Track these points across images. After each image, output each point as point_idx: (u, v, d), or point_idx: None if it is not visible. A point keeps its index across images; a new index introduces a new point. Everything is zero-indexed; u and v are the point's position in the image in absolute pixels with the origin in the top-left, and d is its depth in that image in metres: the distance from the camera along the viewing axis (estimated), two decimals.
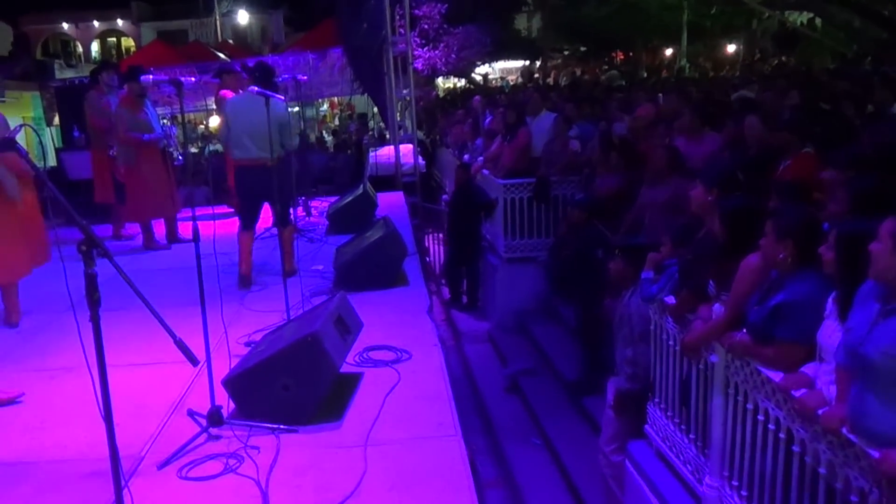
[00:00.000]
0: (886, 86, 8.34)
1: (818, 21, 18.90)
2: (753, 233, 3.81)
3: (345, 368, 4.58)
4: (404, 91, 14.70)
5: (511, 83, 31.88)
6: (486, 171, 10.64)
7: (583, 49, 36.10)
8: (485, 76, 35.98)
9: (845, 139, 5.46)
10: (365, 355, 5.06)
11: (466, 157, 12.28)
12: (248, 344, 5.20)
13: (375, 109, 19.45)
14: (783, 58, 19.90)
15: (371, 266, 6.65)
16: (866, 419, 2.87)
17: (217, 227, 6.91)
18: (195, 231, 4.19)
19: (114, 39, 55.53)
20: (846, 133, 5.77)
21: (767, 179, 5.64)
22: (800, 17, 21.00)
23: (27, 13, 46.81)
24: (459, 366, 9.19)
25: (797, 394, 3.24)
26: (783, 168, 5.73)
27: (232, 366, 4.39)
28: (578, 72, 30.25)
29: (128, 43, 53.72)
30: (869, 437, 2.85)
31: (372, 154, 15.07)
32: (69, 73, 33.46)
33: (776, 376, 3.44)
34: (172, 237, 8.86)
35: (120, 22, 53.62)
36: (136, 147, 8.41)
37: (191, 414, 4.25)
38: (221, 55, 20.06)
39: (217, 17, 48.00)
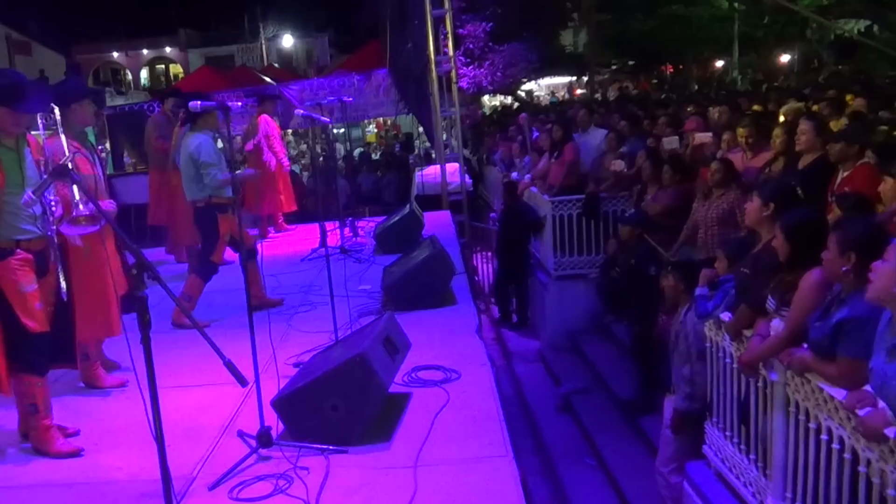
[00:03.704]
0: None
1: (876, 28, 18.55)
2: (816, 247, 3.74)
3: (393, 388, 4.59)
4: (450, 110, 14.79)
5: (558, 99, 31.88)
6: (534, 189, 10.63)
7: (631, 63, 35.92)
8: (530, 92, 36.01)
9: None
10: (413, 375, 5.06)
11: (514, 174, 12.28)
12: (296, 365, 5.25)
13: (421, 129, 19.59)
14: (839, 67, 19.55)
15: (419, 285, 6.67)
16: None
17: (263, 248, 7.03)
18: (240, 254, 4.25)
19: (162, 66, 56.99)
20: None
21: (823, 192, 5.56)
22: (856, 25, 20.63)
23: (78, 42, 48.29)
24: (510, 385, 9.14)
25: (862, 413, 3.16)
26: (842, 179, 5.63)
27: (281, 387, 4.43)
28: (628, 86, 30.10)
29: (176, 69, 55.06)
30: None
31: (418, 173, 15.18)
32: (119, 101, 34.42)
33: (839, 394, 3.35)
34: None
35: (168, 49, 55.03)
36: None
37: (241, 435, 4.30)
38: (267, 79, 20.42)
39: (263, 42, 49.06)
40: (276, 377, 4.81)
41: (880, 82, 12.18)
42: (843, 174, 5.62)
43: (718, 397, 4.70)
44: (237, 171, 7.15)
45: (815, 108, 8.92)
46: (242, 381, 3.12)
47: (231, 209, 6.62)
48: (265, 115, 9.93)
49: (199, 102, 4.80)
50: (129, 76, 55.26)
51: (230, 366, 3.08)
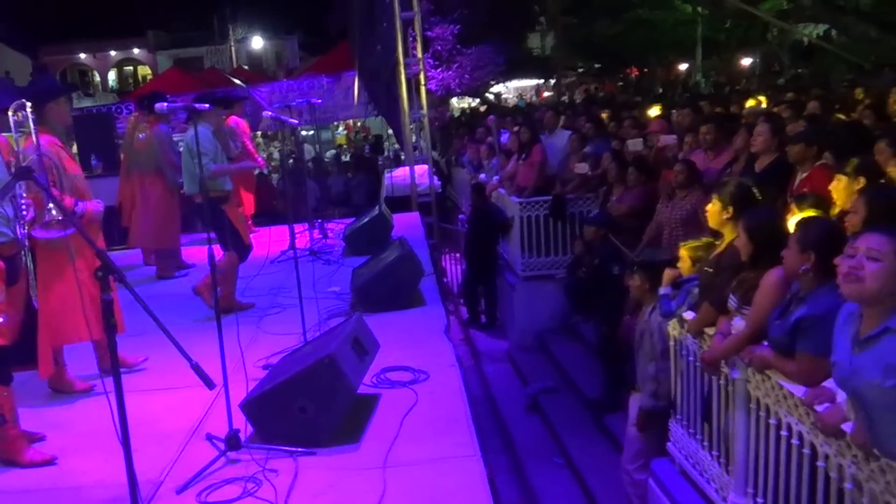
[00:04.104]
0: None
1: (834, 33, 18.85)
2: (777, 246, 3.79)
3: (362, 390, 4.57)
4: (419, 112, 14.78)
5: (526, 101, 31.99)
6: (502, 190, 10.65)
7: (597, 66, 36.16)
8: (498, 95, 36.10)
9: (863, 149, 5.43)
10: (382, 376, 5.04)
11: (482, 176, 12.30)
12: (265, 367, 5.21)
13: (390, 131, 19.56)
14: (799, 70, 19.85)
15: (388, 287, 6.65)
16: (879, 442, 2.85)
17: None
18: (211, 256, 4.23)
19: (130, 68, 56.31)
20: (864, 143, 5.73)
21: (782, 192, 5.63)
22: (815, 30, 20.96)
23: (46, 44, 47.57)
24: (479, 386, 9.16)
25: (820, 409, 3.20)
26: (800, 180, 5.71)
27: (249, 389, 4.39)
28: (595, 89, 30.29)
29: (144, 71, 54.44)
30: (889, 457, 2.82)
31: (387, 175, 15.14)
32: (87, 102, 33.95)
33: (799, 391, 3.40)
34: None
35: (136, 51, 54.40)
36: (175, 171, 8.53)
37: (209, 438, 4.26)
38: (237, 81, 20.28)
39: (232, 44, 48.66)
40: (245, 380, 4.77)
41: (837, 85, 12.37)
42: (801, 175, 5.70)
43: (682, 395, 4.74)
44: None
45: (775, 109, 9.03)
46: (210, 383, 3.09)
47: (230, 201, 6.81)
48: (235, 117, 9.84)
49: (165, 104, 4.76)
50: (98, 78, 54.54)
51: (197, 368, 3.05)
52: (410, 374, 5.09)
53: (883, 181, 4.71)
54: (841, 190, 4.68)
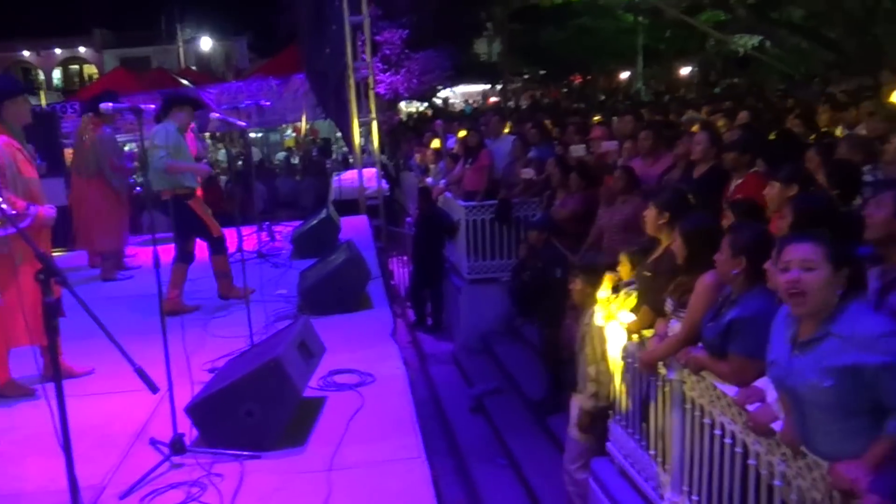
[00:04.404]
0: (833, 106, 8.55)
1: (768, 44, 19.33)
2: (712, 250, 3.87)
3: (308, 393, 4.55)
4: (368, 115, 14.73)
5: (472, 106, 32.14)
6: (448, 194, 10.68)
7: (542, 72, 36.48)
8: (446, 100, 36.20)
9: (794, 157, 5.58)
10: (328, 379, 5.02)
11: (429, 180, 12.31)
12: (211, 370, 5.14)
13: (339, 134, 19.45)
14: (735, 79, 20.30)
15: (335, 290, 6.62)
16: (808, 439, 2.93)
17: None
18: (156, 258, 4.16)
19: (76, 67, 54.99)
20: (795, 151, 5.89)
21: (718, 198, 5.76)
22: (751, 41, 21.47)
23: None
24: (425, 388, 9.16)
25: (751, 408, 3.28)
26: (735, 187, 5.84)
27: (195, 393, 4.33)
28: (540, 95, 30.57)
29: (90, 70, 53.22)
30: (816, 454, 2.90)
31: (336, 178, 15.06)
32: (31, 101, 33.02)
33: (731, 391, 3.48)
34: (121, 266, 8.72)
35: (82, 49, 53.16)
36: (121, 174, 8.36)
37: (153, 443, 4.19)
38: (184, 82, 19.96)
39: (180, 44, 47.83)
40: (191, 383, 4.70)
41: (771, 94, 12.69)
42: (736, 182, 5.83)
43: (621, 396, 4.81)
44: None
45: (712, 118, 9.22)
46: (153, 387, 3.05)
47: (195, 197, 6.86)
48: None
49: (110, 105, 4.68)
50: (42, 76, 53.14)
51: (141, 372, 3.00)
52: (357, 376, 5.07)
53: (813, 189, 4.86)
54: (774, 196, 4.80)
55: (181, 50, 48.05)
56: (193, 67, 39.71)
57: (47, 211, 4.89)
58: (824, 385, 2.77)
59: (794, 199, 4.21)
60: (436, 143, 13.33)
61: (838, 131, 7.83)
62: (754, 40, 20.91)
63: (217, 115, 6.96)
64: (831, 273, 2.80)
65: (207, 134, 19.46)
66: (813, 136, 7.29)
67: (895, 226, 3.35)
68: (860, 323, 2.77)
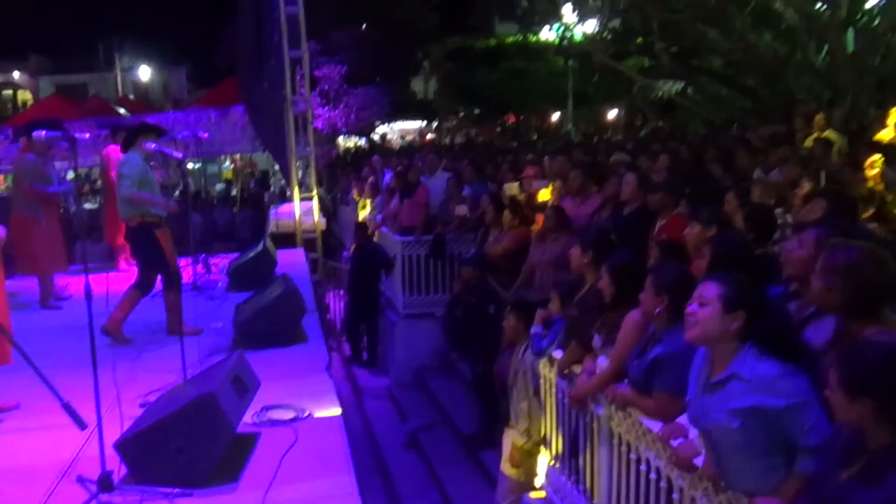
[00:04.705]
0: (750, 151, 8.85)
1: (690, 90, 19.97)
2: (637, 288, 3.95)
3: (242, 428, 4.45)
4: (306, 149, 14.67)
5: (409, 142, 32.32)
6: (384, 229, 10.68)
7: (477, 111, 36.98)
8: (383, 136, 36.34)
9: (713, 199, 5.76)
10: (262, 414, 4.92)
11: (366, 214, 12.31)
12: (143, 405, 4.99)
13: (277, 167, 19.31)
14: (660, 123, 20.89)
15: (270, 323, 6.52)
16: (726, 477, 3.00)
17: (110, 283, 6.70)
18: (87, 289, 4.04)
19: (10, 92, 53.33)
20: (714, 193, 6.09)
21: (644, 238, 5.90)
22: (674, 87, 22.17)
23: None
24: (360, 423, 9.05)
25: (674, 444, 3.34)
26: (660, 227, 5.99)
27: (125, 428, 4.20)
28: (473, 133, 30.96)
29: (25, 96, 51.63)
30: (736, 489, 2.97)
31: (273, 211, 14.90)
32: None
33: (656, 427, 3.54)
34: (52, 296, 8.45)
35: (17, 74, 51.60)
36: (42, 200, 8.10)
37: (80, 480, 4.03)
38: (122, 111, 19.60)
39: (118, 72, 46.88)
40: (120, 418, 4.56)
41: (693, 138, 13.10)
42: (661, 222, 5.99)
43: (552, 431, 4.84)
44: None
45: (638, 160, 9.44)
46: (81, 423, 2.95)
47: (164, 225, 6.82)
48: (116, 146, 9.52)
49: (43, 132, 4.57)
50: None
51: (68, 407, 2.91)
52: (291, 411, 4.98)
53: (730, 230, 5.02)
54: (693, 237, 4.95)
55: (119, 78, 47.11)
56: (131, 96, 39.00)
57: None
58: (733, 426, 2.84)
59: (712, 240, 4.34)
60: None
61: (755, 175, 8.11)
62: (678, 86, 21.58)
63: (154, 145, 6.86)
64: (720, 312, 2.92)
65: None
66: (731, 180, 7.54)
67: (812, 265, 3.47)
68: (758, 365, 2.86)
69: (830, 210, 4.58)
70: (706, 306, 2.94)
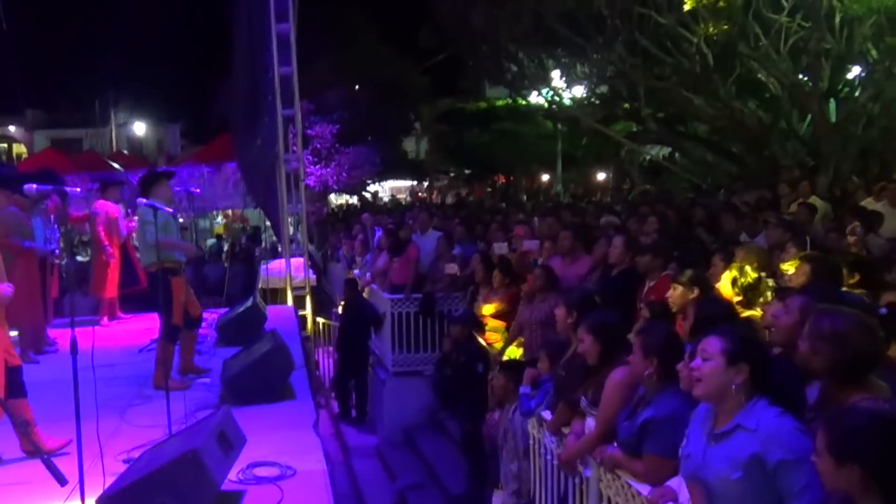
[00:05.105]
0: (736, 215, 8.94)
1: (677, 155, 20.25)
2: (619, 347, 3.95)
3: (227, 486, 4.36)
4: (297, 206, 14.73)
5: (401, 201, 32.53)
6: (374, 286, 10.67)
7: (467, 171, 37.34)
8: (374, 194, 36.56)
9: (701, 262, 5.80)
10: (248, 472, 4.83)
11: (356, 271, 12.30)
12: (126, 461, 4.89)
13: (269, 223, 19.36)
14: (647, 186, 21.10)
15: (258, 379, 6.45)
16: None
17: (97, 337, 6.63)
18: (73, 341, 4.00)
19: (5, 145, 53.50)
20: (701, 256, 6.13)
21: (633, 299, 5.92)
22: (661, 151, 22.48)
23: None
24: (347, 481, 8.89)
25: None
26: (648, 288, 6.02)
27: (107, 485, 4.10)
28: (464, 192, 31.22)
29: (20, 149, 51.80)
30: None
31: (264, 266, 14.88)
32: None
33: (645, 489, 3.49)
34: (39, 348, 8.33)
35: (12, 128, 51.85)
36: (18, 253, 8.03)
37: None
38: (115, 165, 19.66)
39: (113, 128, 47.17)
40: (103, 474, 4.46)
41: (681, 202, 13.22)
42: (649, 283, 6.01)
43: (541, 492, 4.77)
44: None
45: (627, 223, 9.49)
46: (61, 479, 2.89)
47: (182, 273, 6.81)
48: (104, 201, 9.53)
49: (34, 186, 4.57)
50: None
51: (48, 462, 2.85)
52: (277, 469, 4.90)
53: (713, 293, 5.05)
54: (676, 299, 4.97)
55: (114, 133, 47.37)
56: (125, 151, 39.15)
57: (4, 289, 4.70)
58: (733, 477, 2.83)
59: (696, 302, 4.36)
60: None
61: (741, 238, 8.18)
62: (665, 151, 21.90)
63: (145, 200, 6.87)
64: (723, 365, 2.93)
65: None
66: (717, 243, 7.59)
67: (798, 331, 3.48)
68: (763, 418, 2.86)
69: (815, 275, 4.63)
70: (709, 361, 2.96)
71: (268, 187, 14.75)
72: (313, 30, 21.38)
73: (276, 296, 12.33)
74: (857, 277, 5.15)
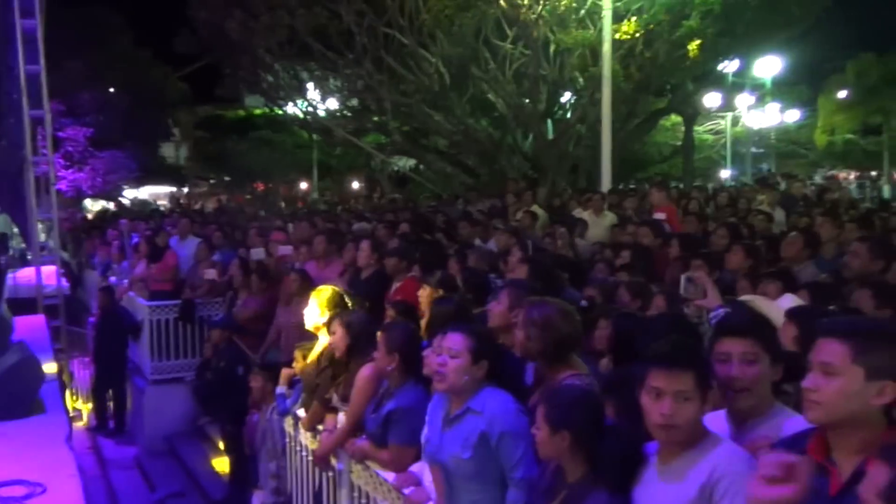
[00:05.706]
0: (471, 222, 9.46)
1: (421, 166, 20.94)
2: (369, 344, 4.03)
3: None
4: (49, 212, 13.32)
5: (161, 207, 30.61)
6: (132, 293, 9.98)
7: (227, 178, 35.99)
8: (135, 199, 34.11)
9: (441, 264, 6.09)
10: None
11: (112, 279, 11.41)
12: None
13: (16, 229, 17.35)
14: (396, 195, 21.63)
15: (5, 395, 5.77)
16: None
17: None
18: None
19: None
20: (441, 259, 6.43)
21: (382, 299, 6.07)
22: (408, 162, 23.15)
23: None
24: (104, 496, 8.16)
25: (407, 492, 3.43)
26: (395, 289, 6.20)
27: None
28: (224, 199, 30.06)
29: None
30: None
31: (11, 275, 13.32)
32: None
33: (390, 477, 3.61)
34: None
35: None
36: None
37: None
38: None
39: None
40: None
41: (424, 209, 13.69)
42: (395, 285, 6.20)
43: (297, 489, 4.72)
44: None
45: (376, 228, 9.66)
46: None
47: None
48: None
49: None
50: None
51: None
52: (25, 487, 4.42)
53: (456, 293, 5.33)
54: (424, 298, 5.18)
55: None
56: None
57: None
58: (464, 457, 3.01)
59: (432, 301, 4.56)
60: None
61: (475, 243, 8.67)
62: (411, 162, 22.59)
63: None
64: (469, 363, 3.10)
65: None
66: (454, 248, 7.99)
67: (510, 317, 3.73)
68: (489, 400, 3.08)
69: (532, 274, 5.04)
70: (456, 358, 3.07)
71: (15, 192, 13.24)
72: (64, 30, 19.49)
73: (25, 306, 11.08)
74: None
